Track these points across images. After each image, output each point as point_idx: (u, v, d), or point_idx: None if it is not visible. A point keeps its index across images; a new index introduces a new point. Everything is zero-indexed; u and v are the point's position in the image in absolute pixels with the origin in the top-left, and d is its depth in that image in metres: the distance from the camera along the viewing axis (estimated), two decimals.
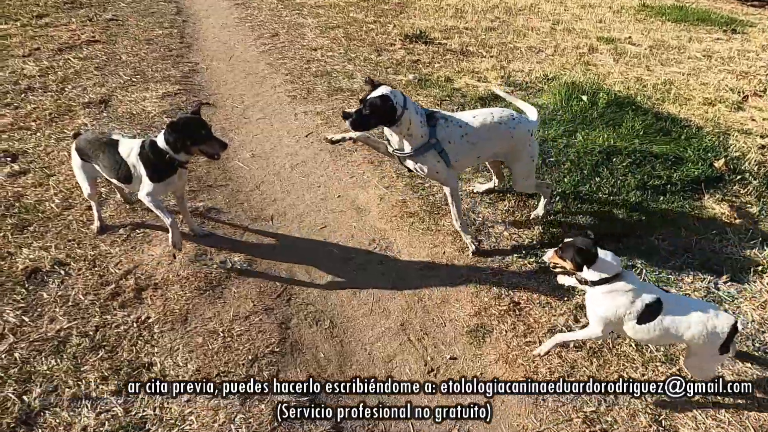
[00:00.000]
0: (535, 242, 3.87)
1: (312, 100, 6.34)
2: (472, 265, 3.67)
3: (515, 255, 3.76)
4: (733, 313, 3.22)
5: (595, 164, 4.58)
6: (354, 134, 3.49)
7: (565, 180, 4.45)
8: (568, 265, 2.50)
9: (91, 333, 2.92)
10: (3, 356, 2.73)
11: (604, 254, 2.44)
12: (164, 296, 3.21)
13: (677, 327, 2.40)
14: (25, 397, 2.54)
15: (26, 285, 3.20)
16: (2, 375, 2.62)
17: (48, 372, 2.67)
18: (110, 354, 2.81)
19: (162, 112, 5.64)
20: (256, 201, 4.34)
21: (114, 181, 3.39)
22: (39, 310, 3.04)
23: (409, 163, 3.43)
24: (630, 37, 9.76)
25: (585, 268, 2.45)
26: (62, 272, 3.33)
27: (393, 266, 3.67)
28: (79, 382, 2.64)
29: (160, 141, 3.14)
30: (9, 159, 4.48)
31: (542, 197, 4.05)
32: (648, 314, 2.41)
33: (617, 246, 3.80)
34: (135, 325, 3.00)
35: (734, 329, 2.39)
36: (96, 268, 3.39)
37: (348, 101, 6.33)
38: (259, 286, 3.41)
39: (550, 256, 2.61)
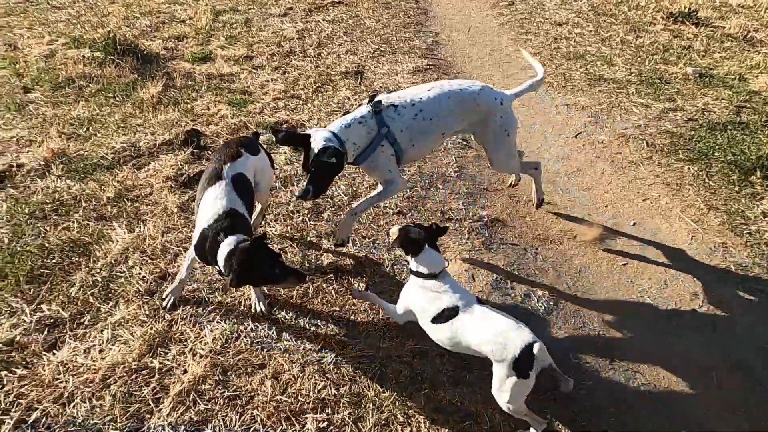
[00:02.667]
0: None
1: (572, 90, 5.57)
2: None
3: None
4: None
5: None
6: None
7: None
8: (399, 249, 2.56)
9: (407, 359, 2.73)
10: (331, 368, 2.66)
11: (430, 251, 2.46)
12: None
13: (467, 334, 2.34)
14: (360, 425, 2.42)
15: (335, 284, 3.13)
16: (335, 393, 2.54)
17: (376, 398, 2.53)
18: (432, 391, 2.58)
19: None
20: (539, 216, 3.84)
21: None
22: (352, 318, 2.94)
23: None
24: None
25: (410, 256, 2.48)
26: (366, 277, 3.21)
27: (730, 340, 2.93)
28: (410, 420, 2.45)
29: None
30: None
31: (533, 181, 3.58)
32: (440, 317, 2.40)
33: None
34: (447, 362, 2.74)
35: (529, 350, 2.17)
36: (396, 277, 3.21)
37: (614, 94, 5.44)
38: (575, 333, 2.94)
39: (393, 231, 2.55)
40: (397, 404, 2.51)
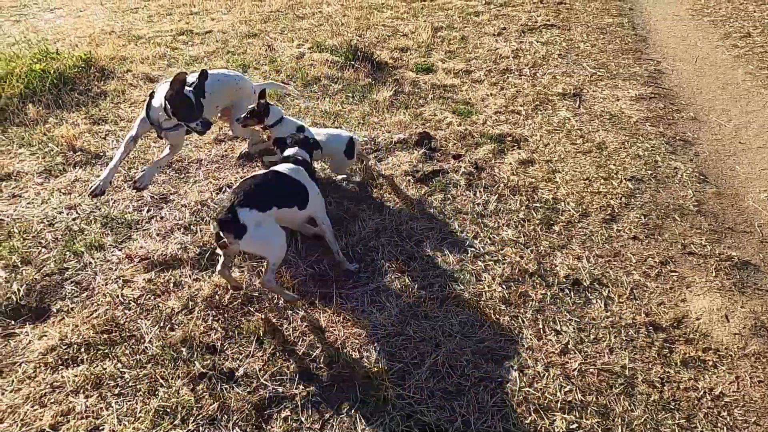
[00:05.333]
0: None
1: None
2: None
3: None
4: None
5: None
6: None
7: None
8: (256, 121, 3.90)
9: (657, 384, 2.65)
10: (575, 374, 2.69)
11: (273, 107, 3.93)
12: (732, 371, 2.72)
13: (325, 140, 3.89)
14: None
15: (572, 295, 3.17)
16: (582, 399, 2.57)
17: (624, 415, 2.50)
18: (688, 422, 2.47)
19: (644, 119, 5.16)
20: None
21: None
22: (593, 332, 2.94)
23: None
24: None
25: (265, 118, 3.88)
26: (603, 294, 3.18)
27: None
28: None
29: None
30: (515, 144, 4.69)
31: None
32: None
33: None
34: (708, 396, 2.59)
35: (351, 142, 3.94)
36: (636, 301, 3.14)
37: None
38: None
39: (243, 119, 3.89)
40: (648, 428, 2.45)
